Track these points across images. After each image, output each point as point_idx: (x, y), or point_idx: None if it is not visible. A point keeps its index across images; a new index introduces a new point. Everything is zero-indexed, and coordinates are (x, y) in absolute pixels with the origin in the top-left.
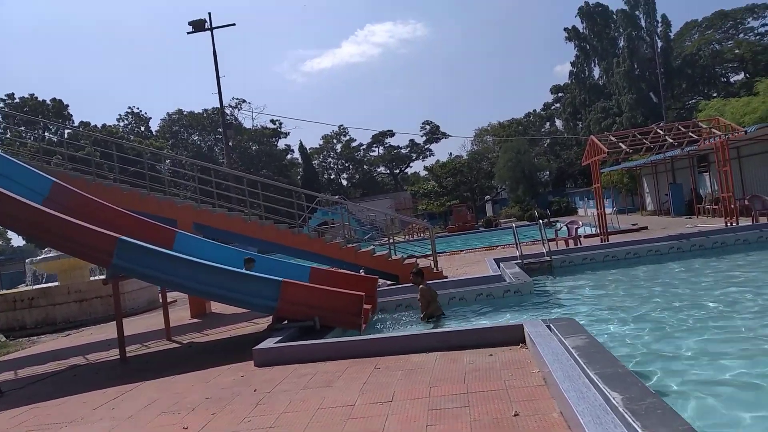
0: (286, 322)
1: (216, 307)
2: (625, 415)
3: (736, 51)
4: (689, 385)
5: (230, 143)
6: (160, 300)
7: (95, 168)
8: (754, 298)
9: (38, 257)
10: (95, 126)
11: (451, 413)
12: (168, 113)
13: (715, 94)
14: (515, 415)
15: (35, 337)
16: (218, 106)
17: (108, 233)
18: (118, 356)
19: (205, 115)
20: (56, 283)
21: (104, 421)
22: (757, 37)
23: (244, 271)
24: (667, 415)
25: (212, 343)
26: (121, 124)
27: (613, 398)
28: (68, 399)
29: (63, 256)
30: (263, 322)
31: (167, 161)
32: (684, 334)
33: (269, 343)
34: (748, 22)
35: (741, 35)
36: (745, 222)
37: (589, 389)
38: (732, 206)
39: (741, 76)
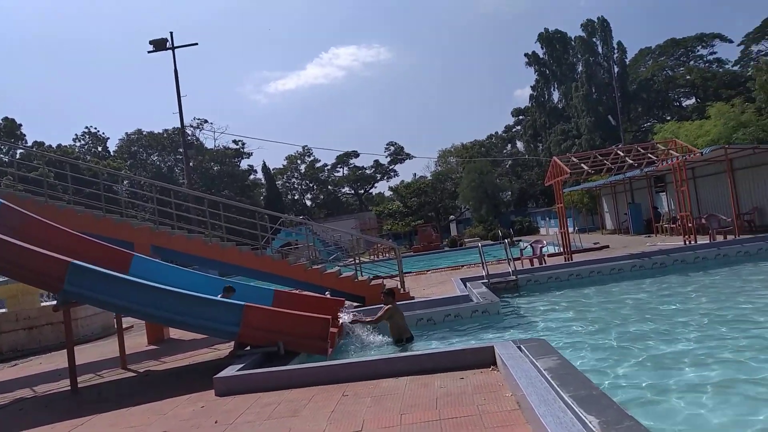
0: (248, 347)
1: (175, 332)
2: None
3: (688, 77)
4: (663, 399)
5: (191, 163)
6: (116, 326)
7: (47, 189)
8: (725, 312)
9: None
10: (50, 146)
11: None
12: (126, 133)
13: (668, 118)
14: None
15: None
16: (179, 125)
17: (59, 257)
18: (69, 387)
19: (165, 135)
20: (3, 310)
21: None
22: (706, 65)
23: (203, 295)
24: None
25: (170, 372)
26: (78, 144)
27: (590, 422)
28: None
29: (11, 280)
30: (225, 348)
31: (125, 182)
32: (653, 351)
33: (231, 370)
34: (698, 50)
35: (692, 62)
36: (702, 240)
37: (566, 413)
38: (690, 225)
39: (693, 100)
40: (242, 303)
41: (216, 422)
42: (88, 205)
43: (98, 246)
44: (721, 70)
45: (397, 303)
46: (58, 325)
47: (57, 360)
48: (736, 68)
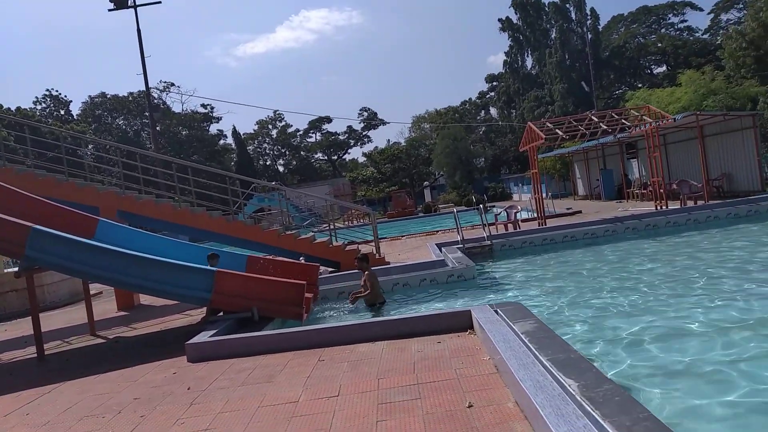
0: (221, 313)
1: (145, 298)
2: (584, 404)
3: (659, 45)
4: (636, 367)
5: (158, 127)
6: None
7: (5, 153)
8: (698, 278)
9: None
10: (8, 109)
11: (401, 407)
12: (90, 96)
13: (640, 85)
14: (469, 407)
15: None
16: (144, 88)
17: (19, 222)
18: (36, 355)
19: (130, 98)
20: None
21: (17, 428)
22: (677, 32)
23: (171, 260)
24: (625, 401)
25: (141, 338)
26: (39, 107)
27: (569, 386)
28: None
29: None
30: (197, 314)
31: (90, 146)
32: (624, 315)
33: (203, 336)
34: (669, 18)
35: (663, 30)
36: (673, 205)
37: (545, 377)
38: (661, 190)
39: (663, 68)
40: (214, 269)
41: (189, 389)
42: (51, 169)
43: (62, 211)
44: (691, 38)
45: (373, 268)
46: (23, 292)
47: (23, 327)
48: (706, 36)
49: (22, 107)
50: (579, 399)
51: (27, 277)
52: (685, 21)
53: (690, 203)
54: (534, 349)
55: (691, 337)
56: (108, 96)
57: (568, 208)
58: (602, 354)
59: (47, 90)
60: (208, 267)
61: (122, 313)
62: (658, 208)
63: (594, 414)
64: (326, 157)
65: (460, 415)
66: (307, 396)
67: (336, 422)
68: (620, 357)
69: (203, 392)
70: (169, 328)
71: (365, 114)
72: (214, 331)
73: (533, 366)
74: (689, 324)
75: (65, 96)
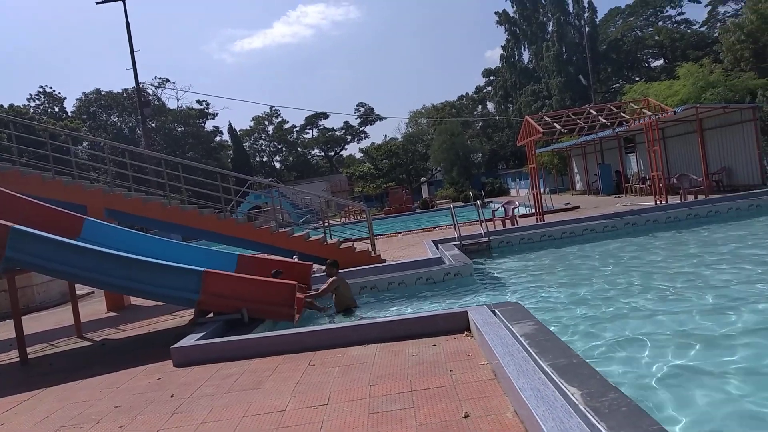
0: (211, 315)
1: (136, 299)
2: (588, 416)
3: (657, 38)
4: (638, 368)
5: (153, 124)
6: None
7: None
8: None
9: None
10: (0, 106)
11: (394, 416)
12: (84, 93)
13: (637, 78)
14: (465, 417)
15: None
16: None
17: None
18: (19, 359)
19: (125, 95)
20: None
21: None
22: (675, 25)
23: (156, 260)
24: (633, 412)
25: (128, 340)
26: (32, 104)
27: (572, 394)
28: None
29: None
30: (187, 315)
31: (84, 144)
32: (629, 317)
33: (190, 339)
34: (667, 11)
35: (660, 23)
36: (673, 200)
37: (546, 386)
38: (661, 185)
39: (661, 61)
40: (201, 269)
41: (172, 396)
42: (38, 167)
43: (46, 210)
44: (689, 30)
45: (369, 267)
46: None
47: (9, 329)
48: (703, 29)
49: (15, 104)
50: (583, 410)
51: (9, 280)
52: (683, 14)
53: (690, 198)
54: (534, 354)
55: (701, 338)
56: (102, 93)
57: (566, 204)
58: (605, 356)
59: (41, 87)
60: (195, 267)
61: (112, 314)
62: (658, 202)
63: (599, 426)
64: (323, 153)
65: (456, 427)
66: (294, 404)
67: None
68: (624, 359)
69: (187, 400)
70: (158, 330)
71: (362, 109)
72: (202, 333)
73: (533, 373)
74: (697, 323)
75: (59, 93)
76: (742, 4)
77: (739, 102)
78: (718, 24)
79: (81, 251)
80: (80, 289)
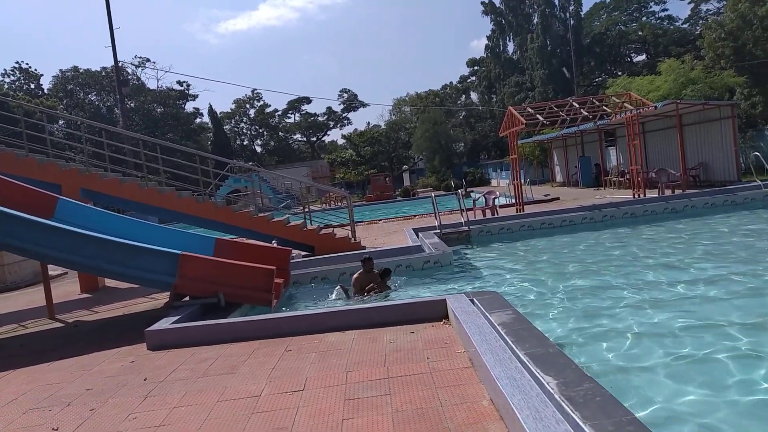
0: (186, 298)
1: (111, 280)
2: (563, 405)
3: (640, 33)
4: (615, 358)
5: (132, 104)
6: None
7: None
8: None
9: None
10: None
11: (370, 403)
12: (61, 70)
13: (620, 73)
14: (442, 405)
15: None
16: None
17: None
18: None
19: (104, 73)
20: None
21: None
22: (658, 21)
23: (134, 243)
24: (607, 402)
25: (102, 322)
26: (7, 80)
27: (548, 384)
28: None
29: None
30: (163, 298)
31: (60, 122)
32: (604, 306)
33: (165, 323)
34: (650, 6)
35: (644, 18)
36: (651, 194)
37: (522, 375)
38: (639, 179)
39: (643, 56)
40: (178, 252)
41: (145, 380)
42: (12, 144)
43: (19, 188)
44: (671, 27)
45: (347, 253)
46: None
47: None
48: (685, 26)
49: None
50: (558, 399)
51: None
52: (666, 10)
53: (668, 192)
54: (511, 342)
55: (675, 329)
56: (80, 70)
57: (546, 195)
58: (580, 346)
59: (16, 62)
60: (172, 250)
61: (85, 295)
62: (636, 196)
63: (574, 416)
64: (305, 139)
65: (432, 414)
66: (270, 389)
67: (299, 419)
68: (599, 348)
69: (160, 384)
70: (132, 312)
71: (345, 95)
72: (177, 317)
73: (510, 362)
74: (674, 315)
75: (35, 69)
76: (724, 2)
77: (718, 99)
78: (701, 21)
79: (54, 231)
80: (53, 270)
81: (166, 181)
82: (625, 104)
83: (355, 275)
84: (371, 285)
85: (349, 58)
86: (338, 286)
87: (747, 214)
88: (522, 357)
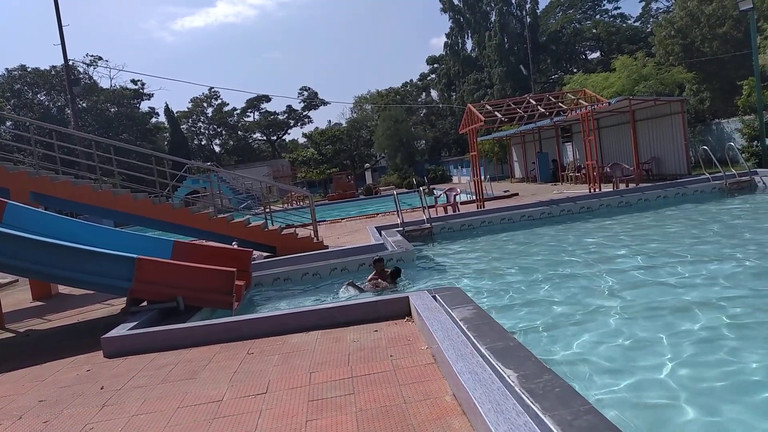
0: (144, 303)
1: (65, 287)
2: (524, 397)
3: (594, 30)
4: (576, 347)
5: (84, 104)
6: None
7: None
8: (631, 256)
9: None
10: None
11: (333, 403)
12: (7, 69)
13: (575, 70)
14: (405, 402)
15: None
16: (68, 61)
17: None
18: None
19: (53, 72)
20: None
21: None
22: (611, 19)
23: (87, 247)
24: (565, 393)
25: (55, 331)
26: None
27: (509, 377)
28: None
29: None
30: (119, 303)
31: (7, 123)
32: (562, 298)
33: (122, 329)
34: (604, 4)
35: (598, 16)
36: (606, 188)
37: (484, 369)
38: (595, 173)
39: (597, 53)
40: (134, 255)
41: (102, 388)
42: None
43: None
44: (624, 25)
45: (310, 253)
46: None
47: None
48: (637, 24)
49: None
50: (518, 392)
51: None
52: (619, 8)
53: (622, 186)
54: (472, 338)
55: (630, 318)
56: (28, 69)
57: (505, 191)
58: (540, 338)
59: None
60: (128, 254)
61: (38, 303)
62: (592, 190)
63: (534, 408)
64: (265, 138)
65: (395, 411)
66: (232, 394)
67: (262, 423)
68: (558, 341)
69: (118, 392)
70: (87, 320)
71: (305, 93)
72: (135, 323)
73: (471, 357)
74: (629, 302)
75: None
76: (674, 0)
77: (668, 95)
78: (651, 19)
79: (2, 237)
80: (2, 278)
81: (121, 183)
82: (581, 101)
83: (368, 278)
84: (385, 285)
85: (308, 56)
86: (346, 284)
87: (696, 207)
88: (483, 351)
